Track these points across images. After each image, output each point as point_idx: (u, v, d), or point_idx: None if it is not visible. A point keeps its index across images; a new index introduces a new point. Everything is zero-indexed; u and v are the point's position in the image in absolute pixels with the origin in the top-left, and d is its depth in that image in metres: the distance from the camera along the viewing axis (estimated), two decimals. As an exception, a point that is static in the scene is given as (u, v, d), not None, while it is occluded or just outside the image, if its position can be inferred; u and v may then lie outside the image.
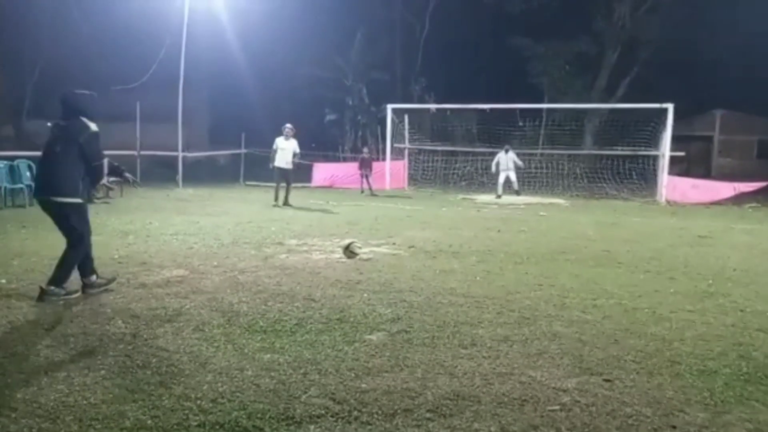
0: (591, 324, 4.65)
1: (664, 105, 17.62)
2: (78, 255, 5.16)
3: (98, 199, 13.70)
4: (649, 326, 4.64)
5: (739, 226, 11.70)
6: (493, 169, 18.42)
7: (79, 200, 5.21)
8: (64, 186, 5.07)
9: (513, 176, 18.18)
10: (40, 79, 23.31)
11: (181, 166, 18.75)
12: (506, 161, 18.13)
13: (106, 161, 5.31)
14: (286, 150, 13.84)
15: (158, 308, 4.83)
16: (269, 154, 14.24)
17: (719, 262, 7.52)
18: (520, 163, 18.55)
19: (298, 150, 14.13)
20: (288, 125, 13.99)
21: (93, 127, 5.12)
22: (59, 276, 5.05)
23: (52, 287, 5.01)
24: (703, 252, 8.35)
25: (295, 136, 14.05)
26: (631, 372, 3.69)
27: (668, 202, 17.17)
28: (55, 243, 7.79)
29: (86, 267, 5.30)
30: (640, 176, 19.28)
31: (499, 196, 17.73)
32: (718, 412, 3.17)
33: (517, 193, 18.01)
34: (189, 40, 18.39)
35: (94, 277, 5.35)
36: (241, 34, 23.39)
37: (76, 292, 5.18)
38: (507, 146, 18.48)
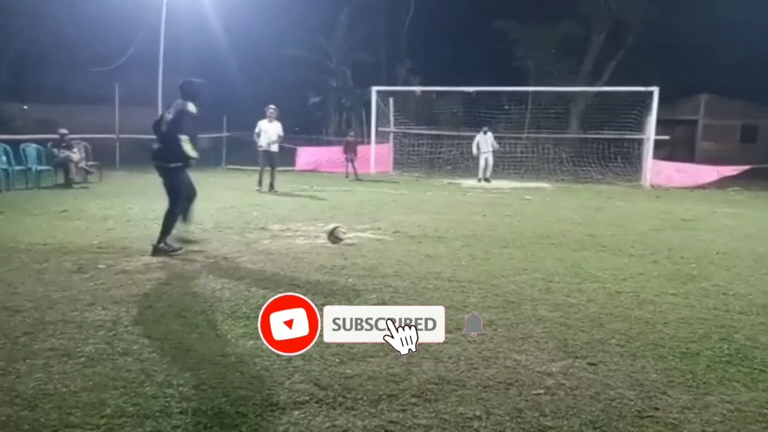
0: (575, 308, 4.67)
1: (649, 88, 17.69)
2: (176, 212, 6.26)
3: (77, 183, 13.52)
4: (633, 309, 4.66)
5: (722, 210, 11.82)
6: (474, 151, 18.32)
7: (179, 164, 6.20)
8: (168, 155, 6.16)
9: (490, 159, 18.02)
10: (16, 60, 22.81)
11: (163, 150, 18.45)
12: (485, 142, 18.01)
13: (184, 139, 6.09)
14: (269, 132, 13.44)
15: (139, 294, 4.76)
16: (252, 138, 13.89)
17: (702, 246, 7.58)
18: (496, 145, 18.43)
19: (281, 133, 13.70)
20: (271, 106, 13.59)
21: (190, 107, 6.13)
22: (162, 232, 6.14)
23: (161, 244, 6.08)
24: (686, 235, 8.42)
25: (278, 118, 13.67)
26: (615, 355, 3.70)
27: (652, 186, 17.31)
28: (31, 229, 7.68)
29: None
30: (624, 160, 19.39)
31: (480, 180, 17.70)
32: (700, 393, 3.19)
33: (488, 180, 17.79)
34: (169, 21, 18.07)
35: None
36: (223, 15, 23.03)
37: (180, 249, 6.21)
38: (485, 127, 18.36)
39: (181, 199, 6.33)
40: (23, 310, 4.32)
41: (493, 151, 18.27)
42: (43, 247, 6.44)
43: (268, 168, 13.52)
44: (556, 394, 3.14)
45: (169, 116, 6.21)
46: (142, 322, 4.11)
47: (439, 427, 2.79)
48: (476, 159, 18.49)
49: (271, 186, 13.38)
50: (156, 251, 6.11)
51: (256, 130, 13.63)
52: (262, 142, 13.46)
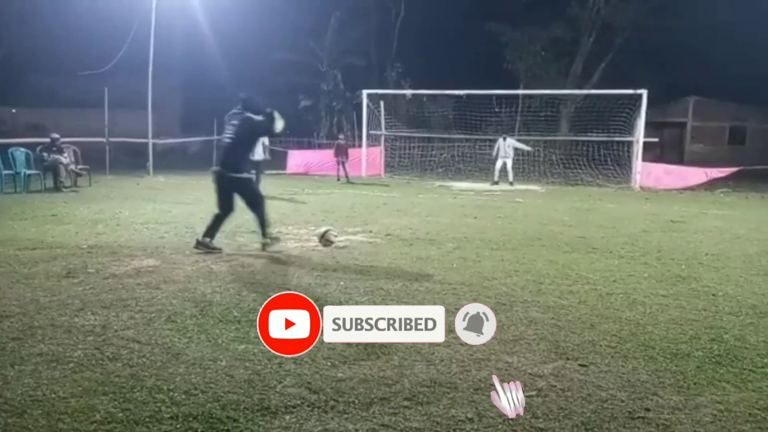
0: (566, 309, 4.68)
1: (638, 91, 17.79)
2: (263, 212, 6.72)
3: (66, 187, 13.42)
4: (624, 311, 4.68)
5: (711, 212, 11.90)
6: (494, 155, 18.52)
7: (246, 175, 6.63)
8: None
9: (509, 164, 18.19)
10: (5, 64, 22.63)
11: (152, 154, 18.36)
12: (504, 148, 18.19)
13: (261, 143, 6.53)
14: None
15: (129, 299, 4.72)
16: None
17: (692, 247, 7.63)
18: (527, 148, 18.63)
19: (267, 142, 12.97)
20: None
21: (255, 117, 6.54)
22: (263, 234, 6.69)
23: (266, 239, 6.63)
24: (676, 237, 8.47)
25: None
26: (606, 356, 3.72)
27: (642, 188, 17.40)
28: (20, 233, 7.61)
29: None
30: (614, 162, 19.47)
31: (494, 183, 17.79)
32: (691, 394, 3.21)
33: (511, 184, 17.96)
34: (159, 24, 17.98)
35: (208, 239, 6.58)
36: (213, 18, 22.97)
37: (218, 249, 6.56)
38: (504, 134, 18.59)
39: (262, 200, 6.82)
40: (11, 315, 4.27)
41: (526, 153, 18.54)
42: (32, 252, 6.39)
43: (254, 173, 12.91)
44: (547, 395, 3.15)
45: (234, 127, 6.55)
46: (131, 326, 4.08)
47: (431, 430, 2.79)
48: (468, 162, 18.56)
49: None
50: (264, 246, 6.66)
51: None
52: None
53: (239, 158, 6.56)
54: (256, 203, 6.73)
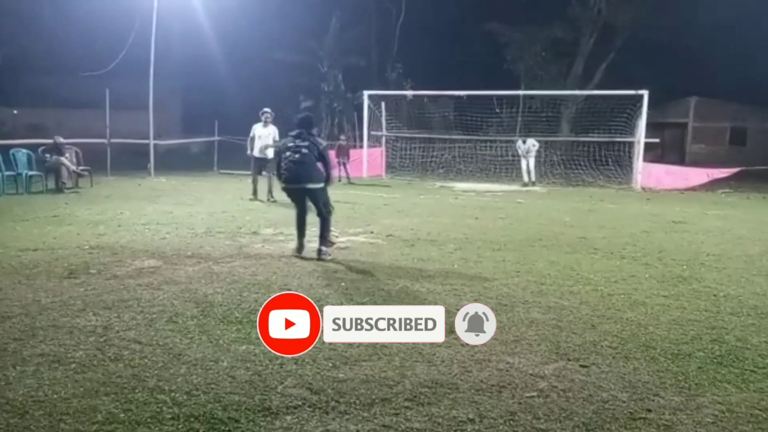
0: (568, 310, 4.68)
1: (640, 92, 17.77)
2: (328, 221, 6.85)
3: (68, 188, 13.43)
4: (625, 311, 4.68)
5: (713, 212, 11.89)
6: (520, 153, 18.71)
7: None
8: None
9: (532, 163, 18.31)
10: (6, 64, 22.65)
11: (153, 155, 18.35)
12: (524, 149, 18.34)
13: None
14: (264, 137, 12.56)
15: (130, 300, 4.73)
16: (245, 143, 13.08)
17: (693, 248, 7.62)
18: (536, 144, 18.66)
19: (277, 137, 12.53)
20: (267, 110, 12.71)
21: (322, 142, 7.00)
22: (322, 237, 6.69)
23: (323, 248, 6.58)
24: (677, 238, 8.47)
25: (274, 122, 12.81)
26: (607, 357, 3.72)
27: (643, 188, 17.38)
28: (22, 234, 7.62)
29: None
30: (615, 163, 19.44)
31: (525, 184, 17.87)
32: (692, 395, 3.21)
33: (533, 183, 18.05)
34: (160, 25, 17.99)
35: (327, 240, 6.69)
36: (214, 19, 22.99)
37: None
38: (524, 137, 18.73)
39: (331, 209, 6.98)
40: (13, 315, 4.28)
41: (535, 153, 18.57)
42: (34, 253, 6.39)
43: (264, 174, 12.51)
44: (549, 396, 3.15)
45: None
46: (133, 327, 4.09)
47: (432, 431, 2.79)
48: (468, 163, 18.60)
49: (270, 193, 12.25)
50: (320, 253, 6.60)
51: (251, 134, 12.76)
52: (256, 147, 12.60)
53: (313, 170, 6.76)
54: (326, 211, 6.89)
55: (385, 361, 3.53)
